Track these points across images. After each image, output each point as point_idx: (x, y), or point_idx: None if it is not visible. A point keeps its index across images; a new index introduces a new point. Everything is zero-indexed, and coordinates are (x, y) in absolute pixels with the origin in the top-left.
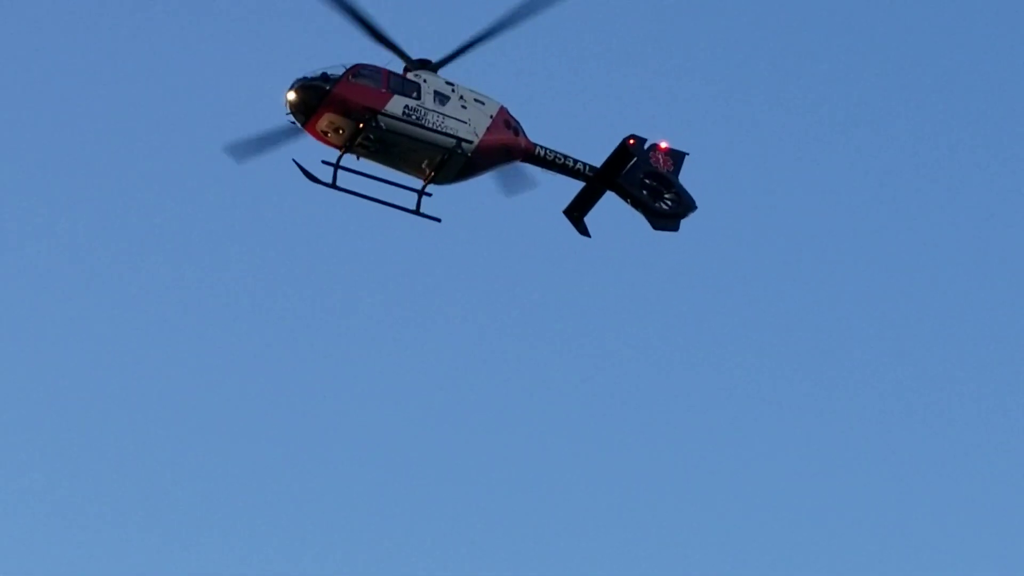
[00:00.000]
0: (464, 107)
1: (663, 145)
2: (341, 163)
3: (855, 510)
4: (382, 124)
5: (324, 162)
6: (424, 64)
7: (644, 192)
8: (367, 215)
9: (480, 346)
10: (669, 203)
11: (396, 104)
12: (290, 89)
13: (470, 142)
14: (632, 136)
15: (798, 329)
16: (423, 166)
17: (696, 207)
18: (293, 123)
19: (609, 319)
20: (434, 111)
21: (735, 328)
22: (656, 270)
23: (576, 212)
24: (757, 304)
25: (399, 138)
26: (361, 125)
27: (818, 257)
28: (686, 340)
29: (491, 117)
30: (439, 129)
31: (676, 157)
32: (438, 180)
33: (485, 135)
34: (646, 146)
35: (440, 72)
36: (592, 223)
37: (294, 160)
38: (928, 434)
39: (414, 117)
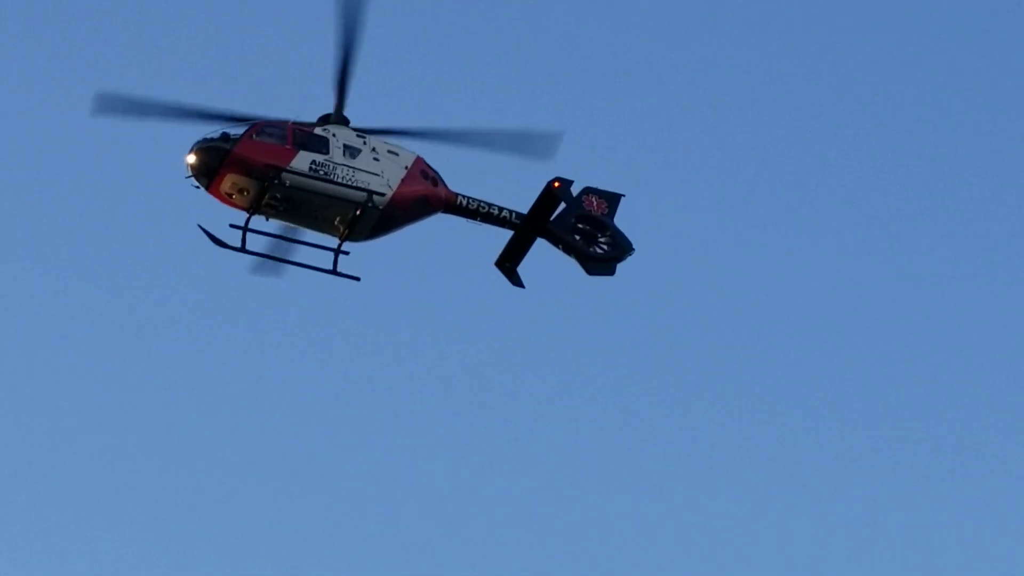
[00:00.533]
0: (376, 159)
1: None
2: (250, 225)
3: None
4: (287, 182)
5: (232, 226)
6: (344, 122)
7: (577, 237)
8: (281, 278)
9: (409, 404)
10: (604, 247)
11: (302, 160)
12: (189, 151)
13: (382, 195)
14: (557, 179)
15: (740, 372)
16: (336, 223)
17: (633, 249)
18: (196, 186)
19: (547, 370)
20: (344, 165)
21: (674, 372)
22: (592, 316)
23: (508, 263)
24: (696, 347)
25: (307, 195)
26: (266, 184)
27: (758, 296)
28: (625, 385)
29: (406, 168)
30: (349, 183)
31: (611, 199)
32: (354, 237)
33: (400, 187)
34: (575, 189)
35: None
36: (525, 272)
37: (199, 226)
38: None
39: (322, 172)
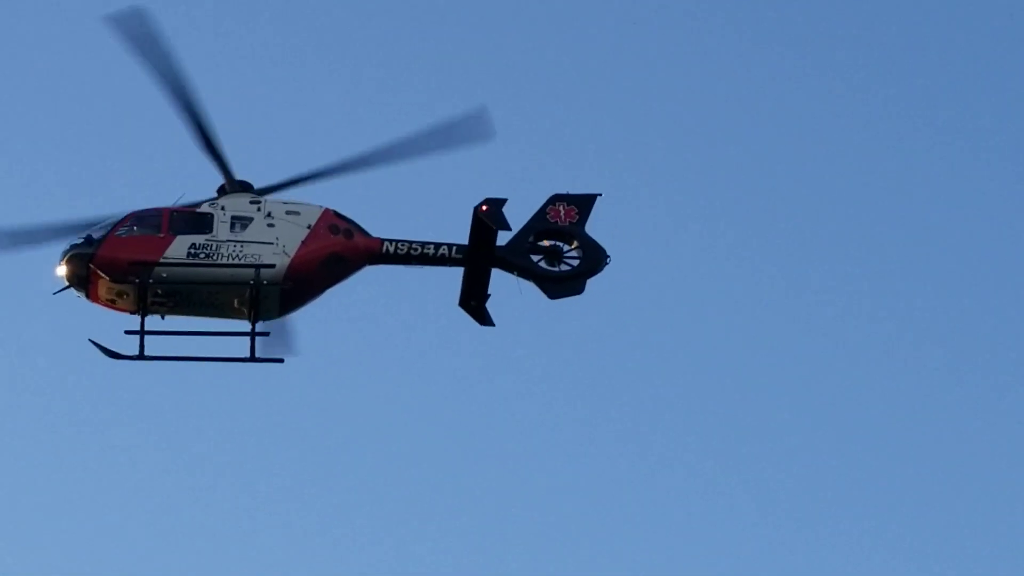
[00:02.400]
0: (271, 225)
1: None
2: (148, 327)
3: None
4: (164, 275)
5: (127, 332)
6: (245, 187)
7: (537, 258)
8: (197, 377)
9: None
10: (572, 262)
11: (179, 247)
12: (59, 262)
13: (272, 266)
14: (485, 201)
15: (727, 385)
16: (236, 307)
17: (607, 259)
18: (78, 296)
19: (516, 420)
20: (230, 241)
21: (659, 399)
22: (559, 345)
23: (472, 301)
24: (678, 369)
25: (190, 286)
26: (140, 283)
27: (748, 303)
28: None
29: (308, 227)
30: (235, 262)
31: (582, 203)
32: (265, 316)
33: (299, 250)
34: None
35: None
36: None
37: (91, 340)
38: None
39: (202, 255)
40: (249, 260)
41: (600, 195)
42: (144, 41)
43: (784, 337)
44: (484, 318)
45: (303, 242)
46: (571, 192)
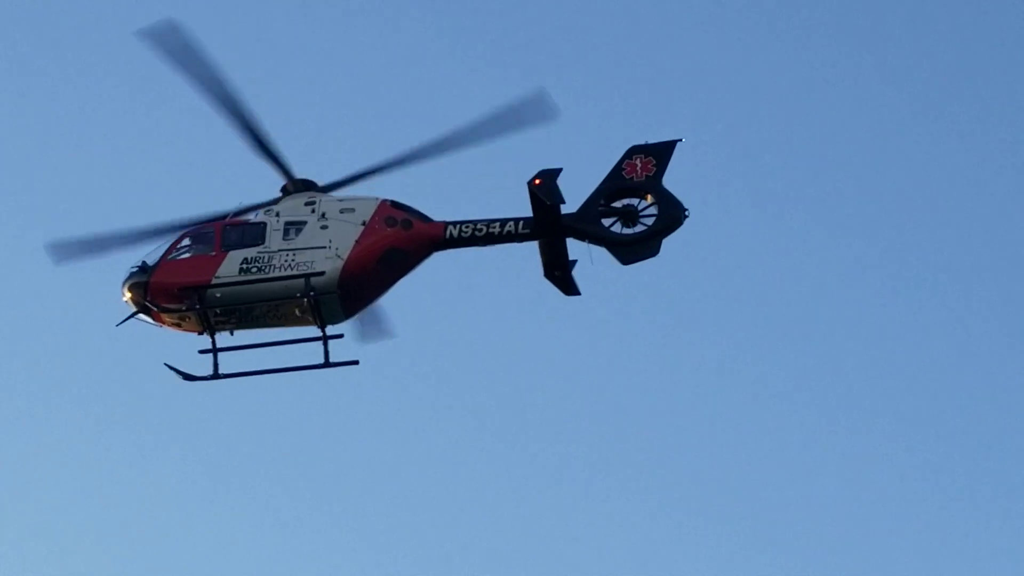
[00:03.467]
0: (325, 227)
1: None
2: (220, 344)
3: None
4: (217, 295)
5: (201, 351)
6: (308, 186)
7: (610, 222)
8: (274, 388)
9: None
10: (649, 219)
11: (231, 264)
12: (122, 288)
13: (322, 273)
14: (538, 174)
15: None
16: (299, 316)
17: (685, 212)
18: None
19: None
20: (282, 251)
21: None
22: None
23: (556, 271)
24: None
25: (246, 303)
26: (197, 306)
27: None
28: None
29: (363, 223)
30: (287, 273)
31: (659, 153)
32: (332, 321)
33: (353, 250)
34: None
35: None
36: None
37: (166, 364)
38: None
39: (254, 270)
40: (301, 269)
41: (681, 140)
42: (182, 52)
43: (873, 307)
44: (570, 287)
45: (357, 241)
46: (649, 142)
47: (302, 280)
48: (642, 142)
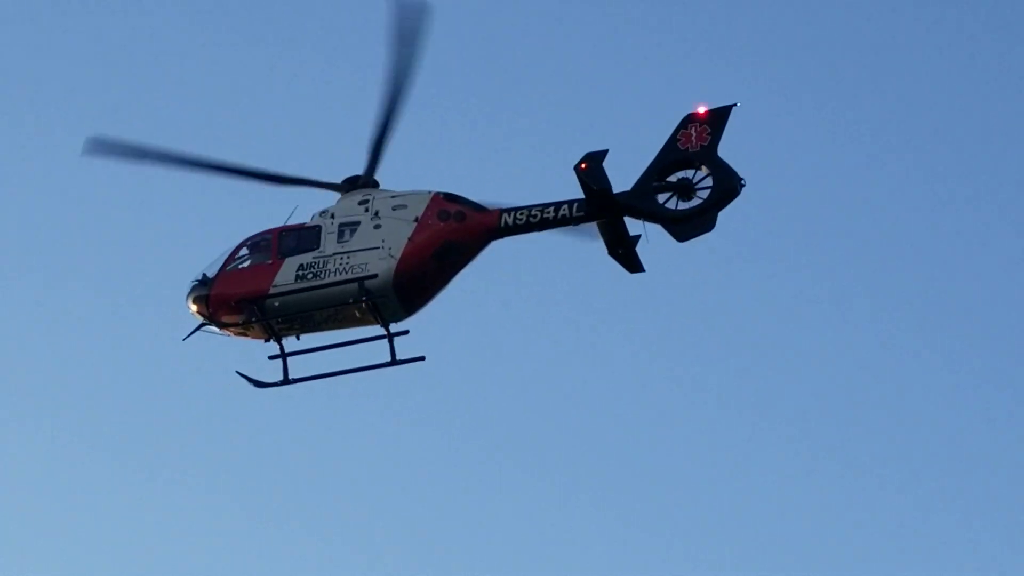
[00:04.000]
0: (378, 226)
1: (701, 111)
2: (288, 348)
3: None
4: (275, 304)
5: (271, 357)
6: (353, 182)
7: (665, 197)
8: (343, 389)
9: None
10: (705, 191)
11: (287, 271)
12: (186, 300)
13: (375, 276)
14: (584, 158)
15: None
16: (360, 317)
17: (741, 182)
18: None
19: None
20: (336, 254)
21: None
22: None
23: (619, 249)
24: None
25: (305, 309)
26: (258, 315)
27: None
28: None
29: (415, 220)
30: (341, 278)
31: (715, 121)
32: (393, 319)
33: (406, 248)
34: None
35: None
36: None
37: (238, 372)
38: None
39: (310, 275)
40: (355, 272)
41: (736, 105)
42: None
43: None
44: (634, 264)
45: (409, 239)
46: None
47: (356, 284)
48: (698, 109)
